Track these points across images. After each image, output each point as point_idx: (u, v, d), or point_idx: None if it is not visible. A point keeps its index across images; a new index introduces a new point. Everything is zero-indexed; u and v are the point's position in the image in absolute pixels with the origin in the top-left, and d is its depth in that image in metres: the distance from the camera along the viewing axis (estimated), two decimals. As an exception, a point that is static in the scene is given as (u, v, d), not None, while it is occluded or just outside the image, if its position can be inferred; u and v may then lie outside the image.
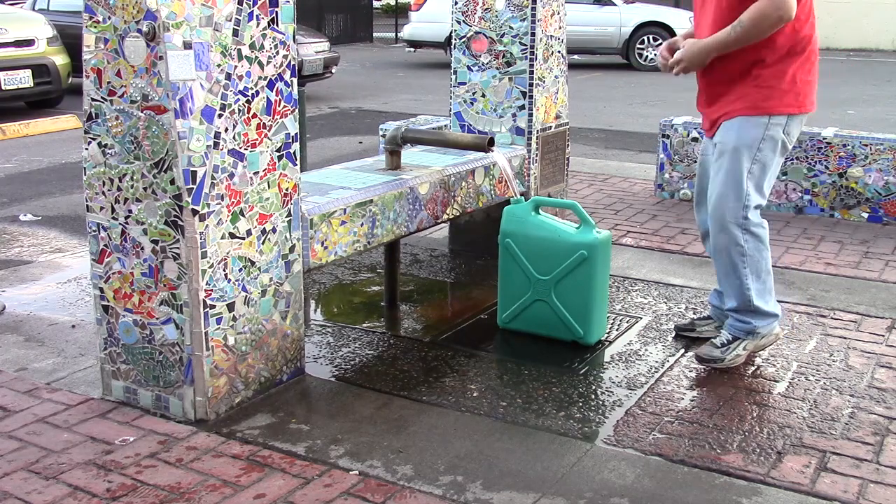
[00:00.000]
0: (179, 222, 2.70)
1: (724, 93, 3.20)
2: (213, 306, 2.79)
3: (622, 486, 2.52)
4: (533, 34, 4.30)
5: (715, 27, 3.15)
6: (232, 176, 2.80)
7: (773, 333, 3.35)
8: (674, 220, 5.33)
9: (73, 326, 3.65)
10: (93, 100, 2.76)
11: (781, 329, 3.44)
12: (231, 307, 2.85)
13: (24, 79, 9.58)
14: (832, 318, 3.81)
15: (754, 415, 2.95)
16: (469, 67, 4.47)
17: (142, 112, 2.67)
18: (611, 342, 3.56)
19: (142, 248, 2.79)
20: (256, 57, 2.82)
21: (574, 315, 3.45)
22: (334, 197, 3.28)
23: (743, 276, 3.23)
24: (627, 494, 2.47)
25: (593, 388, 3.16)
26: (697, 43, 3.16)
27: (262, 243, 2.93)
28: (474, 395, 3.08)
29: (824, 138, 5.38)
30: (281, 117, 2.94)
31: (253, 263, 2.91)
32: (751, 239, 3.20)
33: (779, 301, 3.90)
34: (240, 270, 2.86)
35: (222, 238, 2.79)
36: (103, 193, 2.82)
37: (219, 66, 2.71)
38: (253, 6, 2.79)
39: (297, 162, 3.04)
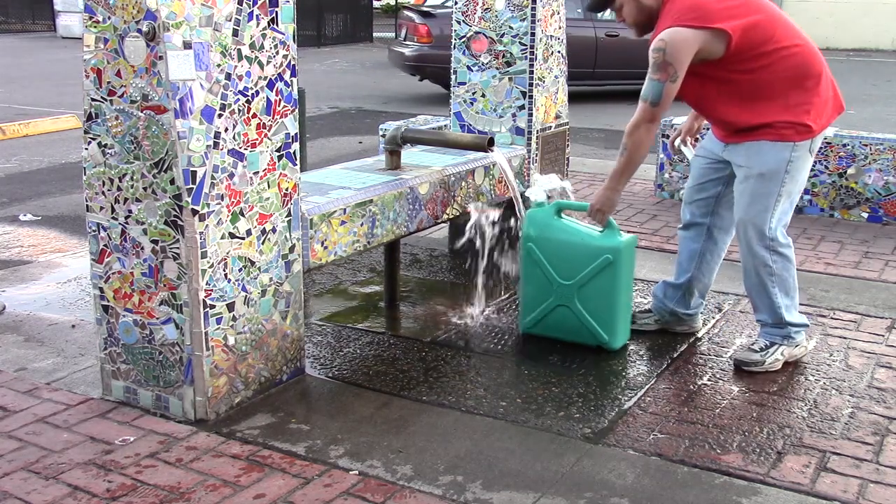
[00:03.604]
0: (179, 222, 2.70)
1: (735, 113, 3.20)
2: (212, 306, 2.79)
3: (622, 486, 2.52)
4: (533, 34, 4.30)
5: (700, 99, 3.26)
6: (232, 176, 2.79)
7: (804, 345, 3.38)
8: (674, 220, 5.33)
9: (73, 326, 3.65)
10: (93, 100, 2.76)
11: (809, 338, 3.45)
12: (231, 307, 2.85)
13: None
14: (832, 318, 3.81)
15: (754, 415, 2.95)
16: (469, 67, 4.46)
17: (142, 112, 2.67)
18: (611, 342, 3.55)
19: (142, 248, 2.79)
20: (256, 57, 2.82)
21: (598, 320, 3.39)
22: (334, 197, 3.28)
23: (773, 295, 3.28)
24: (627, 494, 2.47)
25: (593, 387, 3.16)
26: (605, 186, 3.33)
27: (262, 243, 2.93)
28: (474, 395, 3.08)
29: (824, 138, 5.37)
30: (281, 117, 2.94)
31: (253, 263, 2.91)
32: (779, 259, 3.24)
33: (779, 301, 3.90)
34: (240, 270, 2.86)
35: (222, 238, 2.79)
36: (103, 193, 2.82)
37: (219, 66, 2.71)
38: (253, 6, 2.79)
39: (297, 162, 3.04)
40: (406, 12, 12.19)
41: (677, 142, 3.72)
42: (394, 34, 21.50)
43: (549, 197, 3.63)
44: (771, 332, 3.33)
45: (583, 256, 3.38)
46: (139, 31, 2.59)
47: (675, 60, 3.01)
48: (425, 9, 12.42)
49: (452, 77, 4.55)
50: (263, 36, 2.84)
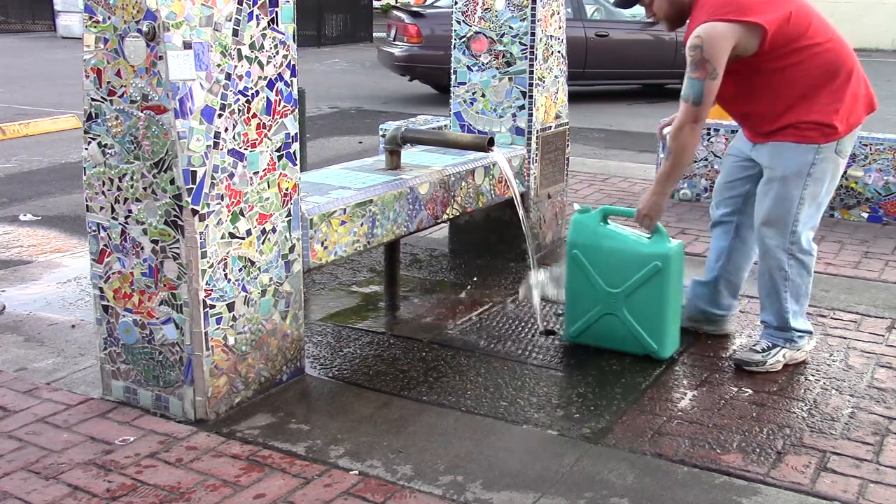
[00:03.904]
0: (179, 222, 2.70)
1: (762, 111, 3.18)
2: (212, 306, 2.79)
3: (622, 486, 2.52)
4: (533, 34, 4.30)
5: (729, 97, 3.18)
6: (232, 176, 2.79)
7: (805, 349, 3.37)
8: (674, 220, 5.33)
9: (73, 326, 3.65)
10: (93, 100, 2.76)
11: (810, 341, 3.43)
12: (231, 307, 2.85)
13: None
14: (832, 318, 3.81)
15: (754, 415, 2.95)
16: (469, 67, 4.47)
17: (142, 112, 2.67)
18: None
19: (142, 248, 2.79)
20: (256, 57, 2.82)
21: (647, 329, 3.31)
22: (334, 197, 3.28)
23: (783, 300, 3.26)
24: (627, 494, 2.47)
25: (592, 387, 3.16)
26: (652, 191, 3.26)
27: (262, 243, 2.93)
28: (474, 395, 3.08)
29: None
30: (281, 117, 2.94)
31: (253, 263, 2.90)
32: (795, 265, 3.21)
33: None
34: (240, 270, 2.86)
35: (222, 238, 2.79)
36: (103, 193, 2.82)
37: (219, 65, 2.71)
38: (253, 6, 2.79)
39: (297, 162, 3.04)
40: (395, 12, 12.07)
41: (666, 130, 3.60)
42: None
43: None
44: (774, 334, 3.32)
45: (631, 264, 3.29)
46: (139, 31, 2.59)
47: (712, 57, 2.95)
48: (415, 9, 12.33)
49: (452, 77, 4.55)
50: (263, 36, 2.84)
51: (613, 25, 11.45)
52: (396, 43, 11.60)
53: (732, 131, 5.32)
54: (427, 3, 12.97)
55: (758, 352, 3.30)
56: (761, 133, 3.20)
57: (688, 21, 3.12)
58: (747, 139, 3.32)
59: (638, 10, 13.76)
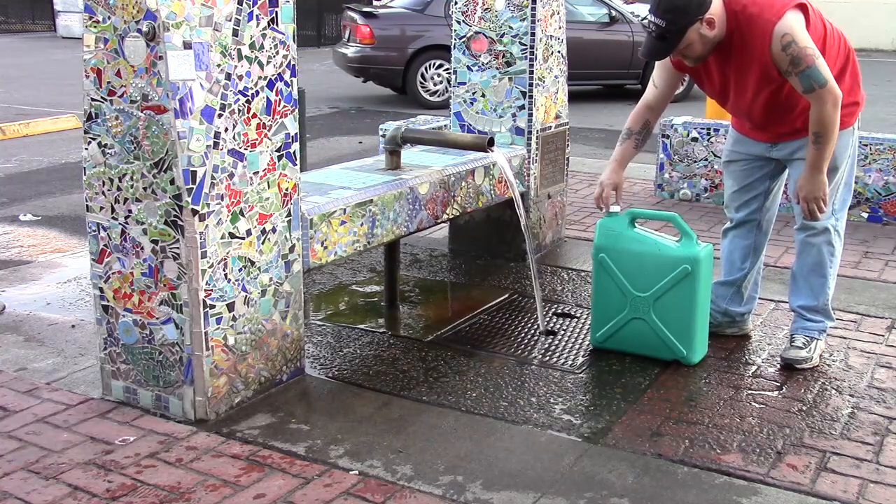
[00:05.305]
0: (179, 222, 2.70)
1: (790, 114, 3.20)
2: (212, 306, 2.79)
3: (622, 486, 2.52)
4: (533, 34, 4.30)
5: (762, 101, 3.18)
6: (232, 176, 2.79)
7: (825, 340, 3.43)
8: (674, 220, 5.33)
9: (73, 326, 3.65)
10: (93, 100, 2.76)
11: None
12: (231, 307, 2.85)
13: None
14: (832, 318, 3.81)
15: (754, 415, 2.95)
16: (469, 67, 4.47)
17: (142, 112, 2.67)
18: (611, 342, 3.55)
19: (142, 248, 2.79)
20: (256, 57, 2.82)
21: (675, 333, 3.27)
22: (334, 197, 3.28)
23: (828, 275, 3.32)
24: (627, 494, 2.47)
25: (593, 387, 3.16)
26: (811, 175, 3.12)
27: (262, 243, 2.93)
28: (474, 395, 3.08)
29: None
30: (281, 117, 2.94)
31: (253, 263, 2.90)
32: (838, 241, 3.30)
33: (779, 301, 3.91)
34: (240, 270, 2.86)
35: (222, 238, 2.79)
36: (103, 193, 2.82)
37: (219, 65, 2.71)
38: (253, 6, 2.79)
39: (297, 162, 3.04)
40: (348, 13, 11.85)
41: (611, 199, 3.40)
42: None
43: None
44: (809, 325, 3.35)
45: (660, 267, 3.25)
46: (139, 31, 2.59)
47: (807, 42, 3.01)
48: (367, 9, 12.20)
49: (452, 77, 4.55)
50: (263, 36, 2.84)
51: (570, 26, 11.28)
52: (350, 44, 11.44)
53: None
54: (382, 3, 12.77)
55: (801, 348, 3.32)
56: (788, 131, 3.23)
57: (747, 36, 3.09)
58: (760, 140, 3.35)
59: (596, 10, 13.48)
